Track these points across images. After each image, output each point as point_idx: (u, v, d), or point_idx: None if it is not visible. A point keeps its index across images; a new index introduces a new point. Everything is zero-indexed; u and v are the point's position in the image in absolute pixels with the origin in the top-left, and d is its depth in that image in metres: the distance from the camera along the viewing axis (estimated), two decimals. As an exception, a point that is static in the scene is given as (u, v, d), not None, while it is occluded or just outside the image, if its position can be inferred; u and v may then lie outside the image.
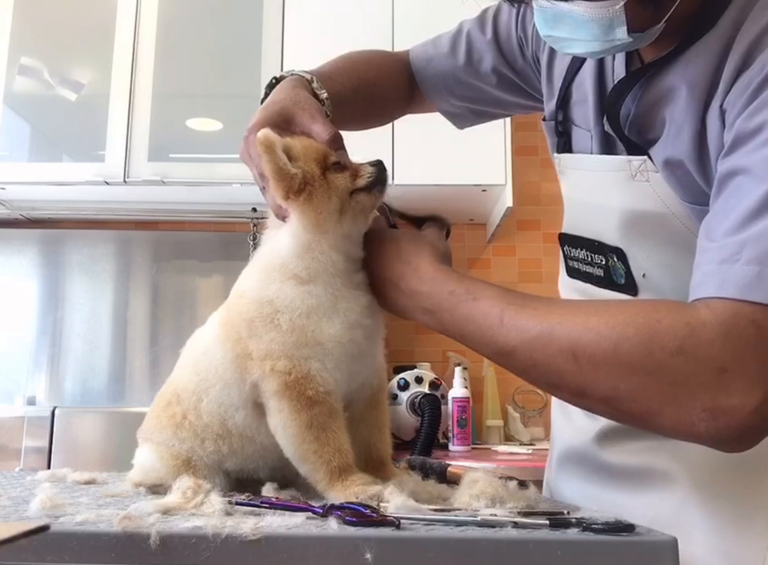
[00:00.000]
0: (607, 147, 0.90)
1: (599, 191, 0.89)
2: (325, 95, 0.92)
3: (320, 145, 0.79)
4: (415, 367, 2.51)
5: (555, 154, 0.99)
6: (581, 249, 0.93)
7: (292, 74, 0.92)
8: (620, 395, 0.65)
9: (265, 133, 0.75)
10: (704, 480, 0.82)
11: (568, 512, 0.63)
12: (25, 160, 2.67)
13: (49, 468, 1.91)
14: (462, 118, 1.17)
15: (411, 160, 2.48)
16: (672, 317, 0.64)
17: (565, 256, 0.98)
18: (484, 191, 2.55)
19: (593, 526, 0.57)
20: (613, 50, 0.80)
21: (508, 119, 2.55)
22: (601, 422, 0.92)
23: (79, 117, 2.65)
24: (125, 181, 2.51)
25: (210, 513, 0.61)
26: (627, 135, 0.86)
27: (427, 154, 2.47)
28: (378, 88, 1.07)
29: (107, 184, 2.52)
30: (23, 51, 2.63)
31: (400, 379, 2.37)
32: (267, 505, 0.64)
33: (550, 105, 1.00)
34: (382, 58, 1.12)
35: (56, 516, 0.60)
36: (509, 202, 2.50)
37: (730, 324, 0.62)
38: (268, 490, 0.74)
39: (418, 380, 2.39)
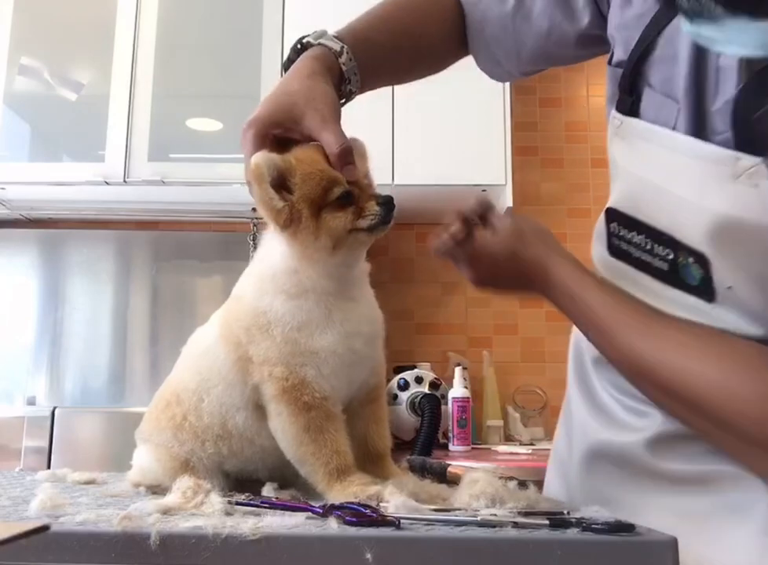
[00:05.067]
0: (697, 126, 0.75)
1: (683, 179, 0.76)
2: (354, 71, 0.85)
3: (327, 171, 0.74)
4: (415, 367, 2.51)
5: (616, 113, 0.84)
6: (638, 234, 0.82)
7: (320, 43, 0.85)
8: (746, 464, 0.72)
9: (257, 161, 0.72)
10: None
11: (568, 512, 0.63)
12: (25, 160, 2.67)
13: (49, 468, 1.91)
14: (506, 76, 1.07)
15: (411, 160, 2.48)
16: None
17: (609, 234, 0.86)
18: (484, 191, 2.54)
19: (593, 526, 0.57)
20: None
21: (508, 119, 2.55)
22: (657, 422, 0.82)
23: (79, 117, 2.65)
24: (125, 181, 2.51)
25: (210, 513, 0.61)
26: (755, 127, 0.70)
27: (427, 154, 2.47)
28: (424, 39, 0.97)
29: (107, 184, 2.52)
30: (23, 51, 2.63)
31: (400, 379, 2.37)
32: (267, 505, 0.64)
33: (620, 50, 0.85)
34: (429, 2, 0.99)
35: (56, 516, 0.60)
36: (509, 202, 2.50)
37: None
38: (268, 490, 0.74)
39: (418, 380, 2.39)
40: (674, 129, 0.77)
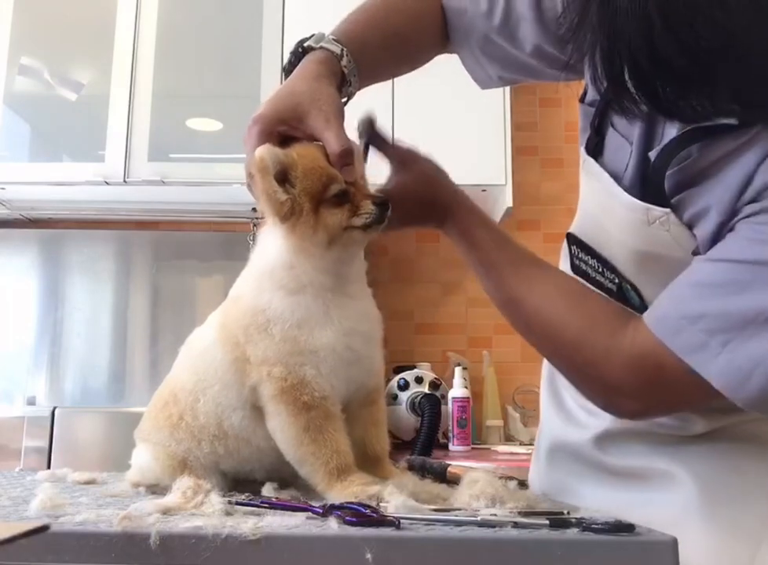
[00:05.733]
0: (644, 169, 0.82)
1: (614, 219, 0.86)
2: (354, 73, 0.88)
3: (327, 168, 0.76)
4: (415, 367, 2.51)
5: (582, 150, 0.91)
6: (592, 258, 0.92)
7: (321, 47, 0.86)
8: (556, 364, 0.88)
9: (262, 154, 0.73)
10: (705, 482, 0.84)
11: (568, 512, 0.63)
12: (25, 160, 2.67)
13: (49, 468, 1.91)
14: (486, 79, 1.07)
15: (411, 160, 2.47)
16: (600, 337, 0.79)
17: (571, 255, 0.95)
18: (484, 191, 2.55)
19: (593, 526, 0.57)
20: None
21: (508, 119, 2.55)
22: (606, 421, 0.92)
23: (79, 117, 2.65)
24: (125, 181, 2.51)
25: (210, 513, 0.61)
26: (663, 177, 0.78)
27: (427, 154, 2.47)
28: (413, 40, 1.00)
29: (107, 184, 2.52)
30: (23, 51, 2.63)
31: (400, 379, 2.37)
32: (267, 505, 0.64)
33: (592, 90, 0.90)
34: (419, 3, 1.01)
35: (56, 516, 0.60)
36: (509, 202, 2.50)
37: (639, 360, 0.76)
38: (268, 490, 0.74)
39: (418, 380, 2.39)
40: (626, 169, 0.84)
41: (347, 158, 0.77)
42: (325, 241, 0.75)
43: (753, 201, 0.71)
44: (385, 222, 0.78)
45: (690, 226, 0.78)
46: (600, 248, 0.90)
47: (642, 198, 0.81)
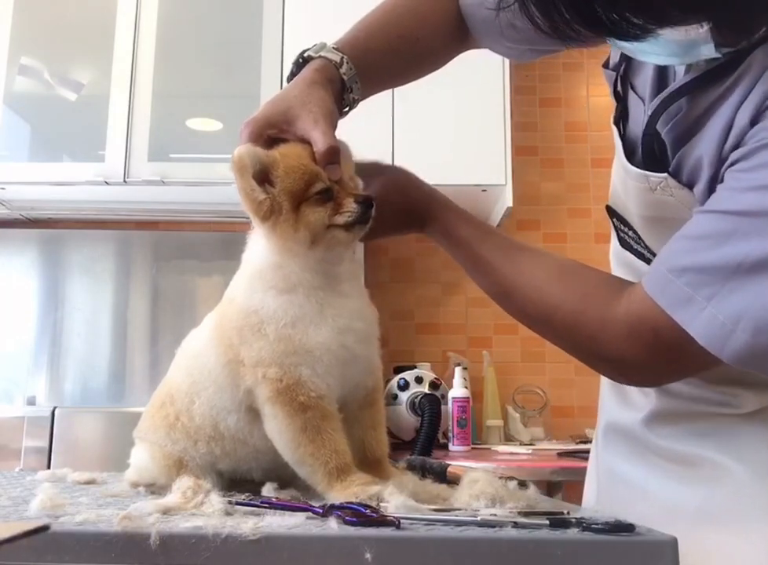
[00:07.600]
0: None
1: (626, 188, 0.86)
2: (355, 79, 0.88)
3: (311, 166, 0.76)
4: (415, 367, 2.51)
5: (611, 118, 0.91)
6: (629, 229, 0.91)
7: (320, 56, 0.87)
8: (559, 346, 0.86)
9: (241, 153, 0.73)
10: (758, 473, 0.82)
11: (568, 512, 0.63)
12: (25, 160, 2.67)
13: (49, 468, 1.91)
14: (519, 55, 1.07)
15: (411, 160, 2.45)
16: (595, 311, 0.79)
17: (615, 228, 0.95)
18: (484, 191, 2.54)
19: (593, 526, 0.57)
20: (697, 61, 0.73)
21: (508, 119, 2.55)
22: (654, 401, 0.91)
23: (79, 117, 2.65)
24: (125, 181, 2.51)
25: (210, 513, 0.61)
26: (654, 136, 0.79)
27: (427, 154, 2.47)
28: (422, 42, 0.98)
29: (107, 184, 2.52)
30: (23, 51, 2.63)
31: (400, 379, 2.37)
32: (267, 505, 0.64)
33: (614, 53, 0.91)
34: (427, 4, 1.00)
35: (56, 516, 0.60)
36: (509, 202, 2.50)
37: (635, 327, 0.74)
38: (268, 490, 0.74)
39: (418, 380, 2.39)
40: (642, 129, 0.83)
41: (332, 156, 0.77)
42: (307, 239, 0.74)
43: (736, 147, 0.70)
44: (370, 221, 0.77)
45: (691, 185, 0.76)
46: (628, 217, 0.90)
47: (648, 162, 0.80)
